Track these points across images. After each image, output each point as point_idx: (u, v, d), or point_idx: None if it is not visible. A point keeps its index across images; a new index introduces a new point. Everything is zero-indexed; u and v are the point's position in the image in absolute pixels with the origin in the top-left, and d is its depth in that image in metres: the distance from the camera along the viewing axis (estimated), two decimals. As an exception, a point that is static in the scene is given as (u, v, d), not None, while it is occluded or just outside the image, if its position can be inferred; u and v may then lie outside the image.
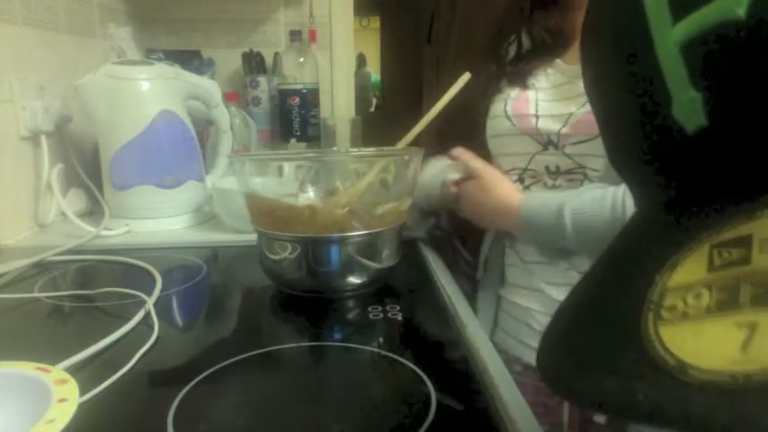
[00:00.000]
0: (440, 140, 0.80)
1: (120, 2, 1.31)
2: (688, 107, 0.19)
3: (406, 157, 0.65)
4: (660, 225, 0.22)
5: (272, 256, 0.65)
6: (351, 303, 0.63)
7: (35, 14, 0.95)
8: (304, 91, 1.35)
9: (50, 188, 0.94)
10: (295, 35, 1.36)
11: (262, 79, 1.38)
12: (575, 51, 0.76)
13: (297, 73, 1.35)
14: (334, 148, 1.23)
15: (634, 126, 0.22)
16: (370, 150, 0.74)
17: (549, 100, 0.75)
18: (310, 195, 0.69)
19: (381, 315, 0.59)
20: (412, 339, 0.55)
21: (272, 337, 0.57)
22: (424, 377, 0.46)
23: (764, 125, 0.18)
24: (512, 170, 0.77)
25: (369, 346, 0.53)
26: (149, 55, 1.25)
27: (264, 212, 0.65)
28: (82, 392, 0.39)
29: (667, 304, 0.19)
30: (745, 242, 0.18)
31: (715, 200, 0.20)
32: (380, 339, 0.54)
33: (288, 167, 0.72)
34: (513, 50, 0.82)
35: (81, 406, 0.36)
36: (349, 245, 0.62)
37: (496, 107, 0.79)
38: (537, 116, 0.74)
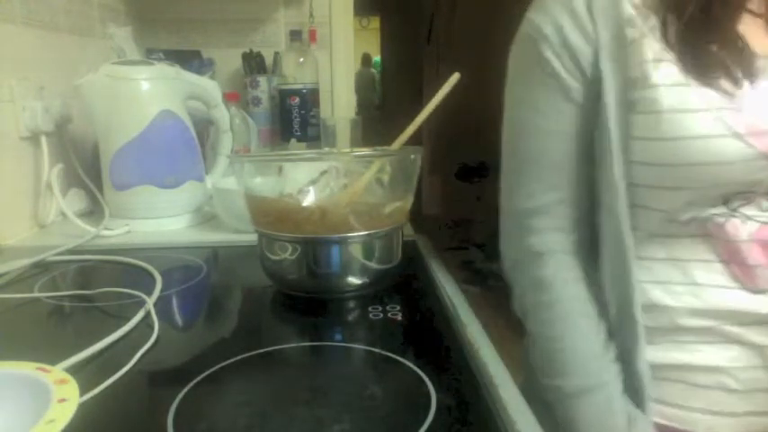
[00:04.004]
0: (439, 140, 0.78)
1: (120, 2, 1.31)
2: None
3: (412, 157, 0.65)
4: None
5: (272, 257, 0.65)
6: (351, 303, 0.63)
7: (35, 14, 0.95)
8: (304, 91, 1.35)
9: (50, 188, 0.94)
10: (295, 35, 1.36)
11: (262, 79, 1.38)
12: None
13: (297, 73, 1.35)
14: (333, 149, 1.23)
15: None
16: (371, 150, 0.74)
17: None
18: (311, 196, 0.69)
19: (381, 315, 0.59)
20: (412, 339, 0.55)
21: (272, 337, 0.57)
22: (424, 377, 0.46)
23: None
24: (715, 197, 0.56)
25: (369, 346, 0.53)
26: (149, 55, 1.25)
27: (267, 212, 0.65)
28: (82, 392, 0.39)
29: None
30: None
31: None
32: (380, 339, 0.54)
33: (293, 168, 0.72)
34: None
35: (81, 406, 0.36)
36: (350, 245, 0.62)
37: (697, 119, 0.53)
38: None
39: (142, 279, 0.70)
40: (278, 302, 0.66)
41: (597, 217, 0.61)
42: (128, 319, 0.56)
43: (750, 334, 0.56)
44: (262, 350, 0.51)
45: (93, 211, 1.00)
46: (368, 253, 0.63)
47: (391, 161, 0.68)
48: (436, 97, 0.63)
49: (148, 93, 0.92)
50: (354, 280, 0.64)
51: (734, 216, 0.56)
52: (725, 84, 0.54)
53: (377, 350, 0.52)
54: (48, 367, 0.39)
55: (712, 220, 0.57)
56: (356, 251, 0.63)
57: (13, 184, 0.89)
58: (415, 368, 0.47)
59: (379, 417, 0.42)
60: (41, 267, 0.76)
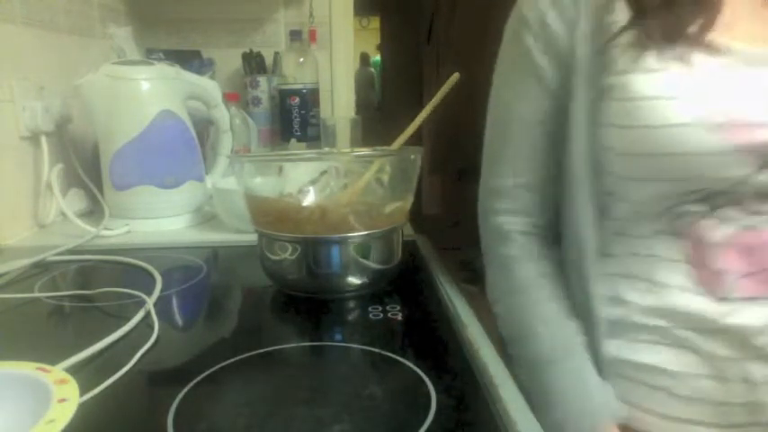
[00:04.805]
0: (439, 139, 0.79)
1: (120, 2, 1.31)
2: None
3: (412, 157, 0.65)
4: None
5: (272, 257, 0.65)
6: (351, 303, 0.63)
7: (35, 14, 0.95)
8: (304, 91, 1.35)
9: (50, 188, 0.94)
10: (295, 35, 1.36)
11: (262, 79, 1.38)
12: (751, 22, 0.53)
13: (297, 73, 1.35)
14: (333, 149, 1.23)
15: None
16: (371, 150, 0.74)
17: (765, 97, 0.51)
18: (311, 196, 0.69)
19: (381, 315, 0.59)
20: (412, 339, 0.55)
21: (272, 337, 0.57)
22: (424, 377, 0.46)
23: None
24: (693, 192, 0.54)
25: (369, 346, 0.53)
26: (149, 55, 1.25)
27: (267, 212, 0.65)
28: (82, 392, 0.39)
29: None
30: None
31: None
32: (380, 339, 0.54)
33: (293, 168, 0.72)
34: None
35: (81, 406, 0.36)
36: (350, 245, 0.62)
37: (660, 108, 0.52)
38: (759, 124, 0.50)
39: (142, 279, 0.70)
40: (278, 302, 0.66)
41: (561, 205, 0.61)
42: (128, 319, 0.56)
43: (704, 342, 0.54)
44: (262, 350, 0.51)
45: (93, 211, 1.00)
46: (368, 253, 0.63)
47: (391, 161, 0.68)
48: (436, 97, 0.63)
49: (148, 93, 0.92)
50: (354, 280, 0.64)
51: (711, 216, 0.54)
52: (695, 55, 0.51)
53: (377, 350, 0.52)
54: (48, 367, 0.39)
55: (685, 217, 0.54)
56: (356, 251, 0.63)
57: (13, 184, 0.89)
58: (415, 368, 0.47)
59: (379, 417, 0.42)
60: (41, 267, 0.76)
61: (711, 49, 0.52)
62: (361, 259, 0.63)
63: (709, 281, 0.54)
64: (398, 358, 0.50)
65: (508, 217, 0.63)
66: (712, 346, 0.54)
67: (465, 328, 0.56)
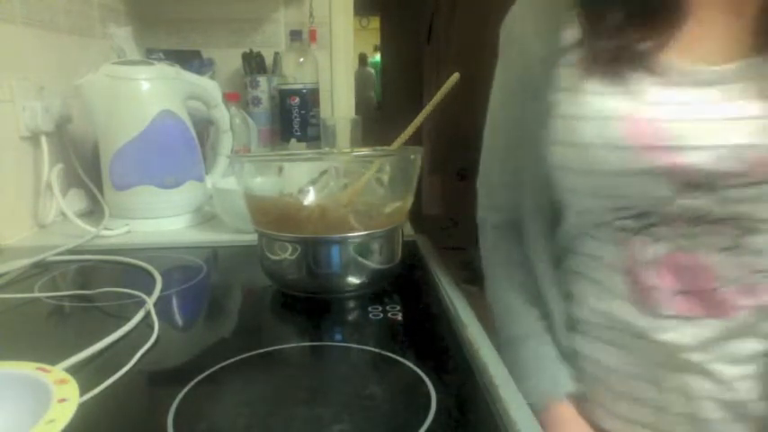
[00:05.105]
0: (439, 139, 0.80)
1: (120, 2, 1.31)
2: None
3: (412, 156, 0.65)
4: None
5: (272, 257, 0.65)
6: (351, 303, 0.63)
7: (35, 14, 0.95)
8: (304, 91, 1.35)
9: (50, 188, 0.94)
10: (295, 35, 1.36)
11: (262, 79, 1.38)
12: (702, 40, 0.52)
13: (297, 73, 1.35)
14: (333, 149, 1.23)
15: None
16: (371, 150, 0.74)
17: (690, 120, 0.50)
18: (311, 196, 0.69)
19: (381, 315, 0.59)
20: (412, 339, 0.55)
21: (272, 337, 0.57)
22: (424, 377, 0.46)
23: None
24: (623, 209, 0.54)
25: (369, 346, 0.53)
26: (149, 55, 1.25)
27: (267, 212, 0.65)
28: (82, 392, 0.39)
29: None
30: None
31: None
32: (380, 339, 0.54)
33: (293, 168, 0.72)
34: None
35: (81, 406, 0.36)
36: (350, 245, 0.62)
37: (586, 129, 0.53)
38: (677, 148, 0.49)
39: (142, 279, 0.70)
40: (278, 302, 0.66)
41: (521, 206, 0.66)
42: (128, 319, 0.56)
43: (641, 349, 0.56)
44: (262, 350, 0.51)
45: (93, 211, 1.00)
46: (368, 253, 0.63)
47: (391, 161, 0.68)
48: (436, 97, 0.63)
49: (148, 93, 0.92)
50: (354, 280, 0.64)
51: (645, 233, 0.54)
52: (632, 82, 0.52)
53: (377, 350, 0.52)
54: (48, 367, 0.39)
55: (621, 232, 0.55)
56: (356, 251, 0.63)
57: (13, 184, 0.89)
58: (415, 368, 0.47)
59: (379, 417, 0.42)
60: (41, 267, 0.76)
61: (656, 71, 0.52)
62: (361, 259, 0.63)
63: (643, 296, 0.55)
64: (398, 358, 0.50)
65: (487, 211, 0.72)
66: (649, 355, 0.55)
67: (465, 328, 0.56)
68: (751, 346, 0.53)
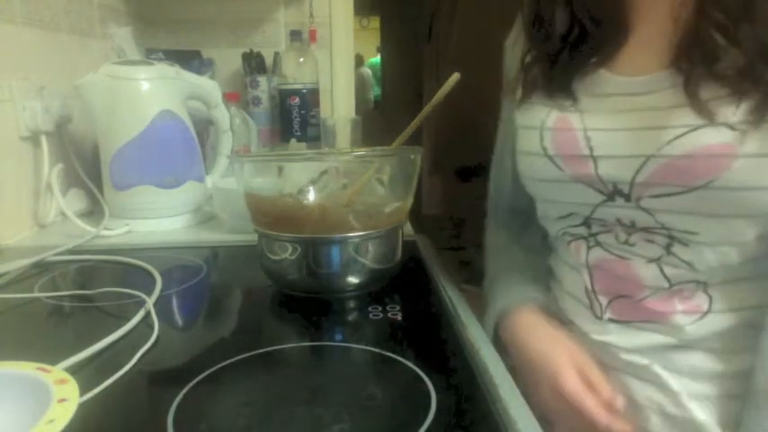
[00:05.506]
0: (439, 139, 0.81)
1: (120, 2, 1.31)
2: None
3: (412, 156, 0.66)
4: None
5: (272, 257, 0.65)
6: (351, 303, 0.63)
7: (35, 14, 0.95)
8: (304, 91, 1.35)
9: (50, 188, 0.94)
10: (295, 35, 1.36)
11: (262, 79, 1.38)
12: (634, 53, 0.54)
13: (297, 73, 1.35)
14: (333, 149, 1.23)
15: None
16: (371, 150, 0.74)
17: (607, 129, 0.53)
18: (311, 196, 0.69)
19: (381, 315, 0.59)
20: (412, 339, 0.55)
21: (272, 337, 0.57)
22: (424, 377, 0.46)
23: None
24: (570, 215, 0.59)
25: (369, 346, 0.53)
26: (149, 55, 1.25)
27: (267, 212, 0.65)
28: (82, 392, 0.39)
29: None
30: None
31: None
32: (380, 339, 0.54)
33: (293, 168, 0.72)
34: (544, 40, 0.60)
35: (81, 406, 0.36)
36: (350, 245, 0.62)
37: (528, 138, 0.59)
38: (594, 158, 0.53)
39: (142, 279, 0.70)
40: (278, 302, 0.66)
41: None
42: (128, 319, 0.56)
43: (588, 345, 0.58)
44: (262, 350, 0.51)
45: (93, 211, 1.00)
46: (368, 253, 0.63)
47: (391, 161, 0.68)
48: (436, 97, 0.63)
49: (148, 93, 0.92)
50: (354, 280, 0.64)
51: (589, 239, 0.58)
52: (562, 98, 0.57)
53: (377, 350, 0.52)
54: (48, 367, 0.39)
55: (570, 236, 0.60)
56: (356, 251, 0.63)
57: (13, 184, 0.89)
58: (415, 368, 0.47)
59: (379, 417, 0.42)
60: (41, 267, 0.76)
61: (593, 83, 0.56)
62: (361, 259, 0.63)
63: (589, 299, 0.59)
64: (398, 358, 0.50)
65: (490, 212, 0.77)
66: (597, 355, 0.58)
67: (465, 329, 0.56)
68: (699, 360, 0.53)
